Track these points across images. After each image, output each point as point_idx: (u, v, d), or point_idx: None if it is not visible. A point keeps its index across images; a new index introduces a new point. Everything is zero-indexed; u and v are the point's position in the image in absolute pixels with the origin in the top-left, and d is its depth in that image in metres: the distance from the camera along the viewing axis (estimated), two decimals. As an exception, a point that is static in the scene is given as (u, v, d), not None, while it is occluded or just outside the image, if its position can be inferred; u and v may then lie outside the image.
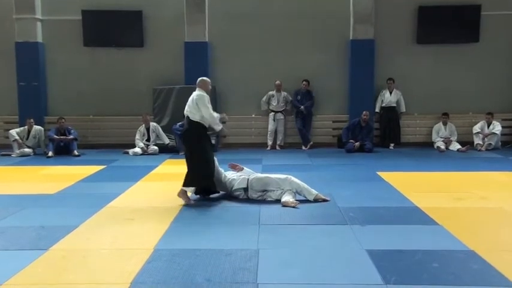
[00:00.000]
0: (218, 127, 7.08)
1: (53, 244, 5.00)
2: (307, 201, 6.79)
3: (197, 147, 6.83)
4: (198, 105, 6.80)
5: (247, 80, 12.91)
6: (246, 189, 6.93)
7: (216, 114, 7.05)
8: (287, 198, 6.61)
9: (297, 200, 6.62)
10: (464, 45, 12.81)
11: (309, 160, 10.76)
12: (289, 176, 6.94)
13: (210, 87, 7.29)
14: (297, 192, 6.81)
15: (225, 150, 12.28)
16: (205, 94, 6.96)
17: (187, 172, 6.86)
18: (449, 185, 8.03)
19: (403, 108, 12.83)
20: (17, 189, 7.84)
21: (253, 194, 6.89)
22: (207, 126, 6.93)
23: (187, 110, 6.92)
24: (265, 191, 6.86)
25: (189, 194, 6.89)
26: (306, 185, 6.86)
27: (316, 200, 6.72)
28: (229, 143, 12.77)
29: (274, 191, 6.81)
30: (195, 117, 6.83)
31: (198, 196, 7.11)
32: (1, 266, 4.43)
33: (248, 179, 6.97)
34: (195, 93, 6.96)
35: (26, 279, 4.14)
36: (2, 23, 12.88)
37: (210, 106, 6.89)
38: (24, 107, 12.77)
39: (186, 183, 6.82)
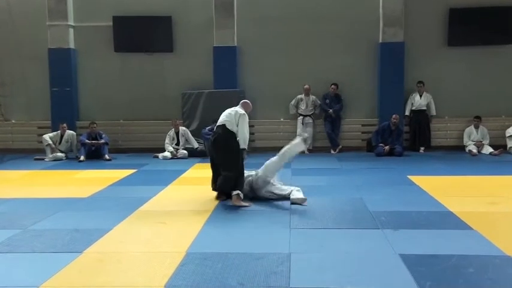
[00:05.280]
0: (244, 145, 7.04)
1: (87, 247, 5.08)
2: (338, 205, 6.79)
3: (232, 152, 6.96)
4: (239, 121, 6.97)
5: (275, 84, 12.90)
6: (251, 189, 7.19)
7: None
8: (296, 195, 6.88)
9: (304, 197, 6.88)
10: (497, 47, 12.57)
11: (338, 164, 10.70)
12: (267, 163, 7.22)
13: (251, 110, 7.46)
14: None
15: (253, 154, 12.24)
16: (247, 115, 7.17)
17: (230, 176, 6.91)
18: (483, 189, 7.90)
19: (433, 112, 12.65)
20: (50, 193, 7.97)
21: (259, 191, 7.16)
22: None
23: (225, 120, 7.05)
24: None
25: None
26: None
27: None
28: (257, 147, 12.73)
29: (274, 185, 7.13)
30: (233, 128, 6.99)
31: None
32: (38, 268, 4.53)
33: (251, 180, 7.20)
34: (239, 109, 7.13)
35: (62, 282, 4.22)
36: (35, 30, 13.15)
37: (248, 127, 7.10)
38: (56, 112, 13.00)
39: (233, 187, 6.90)
